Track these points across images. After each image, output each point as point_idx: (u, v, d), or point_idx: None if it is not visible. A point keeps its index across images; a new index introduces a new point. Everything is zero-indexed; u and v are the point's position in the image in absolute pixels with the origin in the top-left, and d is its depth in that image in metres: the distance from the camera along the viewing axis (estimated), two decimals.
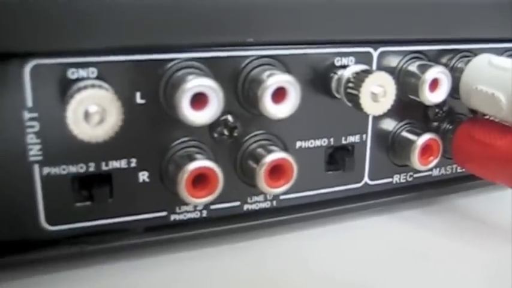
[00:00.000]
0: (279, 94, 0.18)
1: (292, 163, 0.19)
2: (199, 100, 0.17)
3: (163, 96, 0.18)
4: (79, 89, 0.16)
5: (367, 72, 0.19)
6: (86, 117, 0.15)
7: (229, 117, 0.19)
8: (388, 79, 0.19)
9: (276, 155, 0.19)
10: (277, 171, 0.19)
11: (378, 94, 0.19)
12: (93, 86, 0.16)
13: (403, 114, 0.22)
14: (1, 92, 0.16)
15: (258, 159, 0.19)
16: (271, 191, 0.19)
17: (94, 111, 0.15)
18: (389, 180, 0.23)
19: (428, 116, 0.23)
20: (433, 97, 0.21)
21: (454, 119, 0.23)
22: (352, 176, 0.22)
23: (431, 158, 0.22)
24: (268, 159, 0.19)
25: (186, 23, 0.17)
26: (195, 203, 0.18)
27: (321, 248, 0.20)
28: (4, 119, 0.16)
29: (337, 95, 0.20)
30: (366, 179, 0.22)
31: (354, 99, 0.19)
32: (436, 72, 0.20)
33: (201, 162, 0.18)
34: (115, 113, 0.16)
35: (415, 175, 0.23)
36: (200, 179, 0.18)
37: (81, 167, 0.18)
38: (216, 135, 0.19)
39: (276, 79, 0.18)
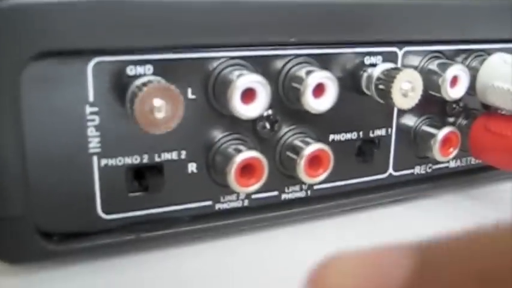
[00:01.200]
0: (319, 89, 0.20)
1: (329, 154, 0.20)
2: (247, 95, 0.18)
3: (212, 92, 0.19)
4: (144, 84, 0.17)
5: (397, 70, 0.21)
6: (152, 110, 0.17)
7: (271, 112, 0.20)
8: (416, 76, 0.21)
9: (315, 146, 0.20)
10: (315, 161, 0.20)
11: (408, 90, 0.20)
12: (158, 81, 0.17)
13: (423, 110, 0.24)
14: (66, 86, 0.17)
15: (297, 151, 0.20)
16: (311, 180, 0.20)
17: (160, 105, 0.17)
18: (411, 171, 0.24)
19: (446, 111, 0.24)
20: (453, 93, 0.22)
21: (469, 114, 0.25)
22: (378, 167, 0.23)
23: (451, 149, 0.23)
24: (308, 151, 0.20)
25: (235, 24, 0.19)
26: (243, 192, 0.19)
27: (355, 235, 0.22)
28: (68, 112, 0.17)
29: (367, 92, 0.22)
30: (391, 170, 0.24)
31: (386, 95, 0.21)
32: (457, 69, 0.22)
33: (248, 153, 0.19)
34: (179, 106, 0.17)
35: (434, 166, 0.25)
36: (247, 169, 0.19)
37: (136, 159, 0.19)
38: (258, 128, 0.20)
39: (316, 76, 0.19)
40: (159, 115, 0.17)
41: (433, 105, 0.24)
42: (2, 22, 0.16)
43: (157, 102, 0.17)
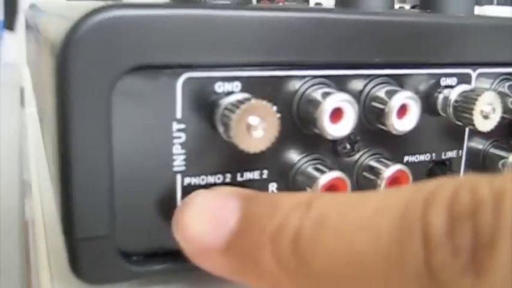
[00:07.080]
0: (402, 110, 0.19)
1: (409, 175, 0.20)
2: (335, 114, 0.18)
3: (296, 110, 0.19)
4: (240, 101, 0.16)
5: (477, 92, 0.20)
6: (249, 128, 0.16)
7: (351, 132, 0.20)
8: (496, 97, 0.20)
9: (395, 167, 0.20)
10: (394, 183, 0.20)
11: (489, 112, 0.20)
12: (255, 99, 0.16)
13: (492, 132, 0.23)
14: (155, 102, 0.17)
15: (377, 172, 0.20)
16: None
17: (257, 123, 0.16)
18: None
19: None
20: None
21: None
22: None
23: None
24: (389, 172, 0.20)
25: (322, 43, 0.18)
26: None
27: None
28: (155, 128, 0.17)
29: (442, 113, 0.21)
30: None
31: (465, 117, 0.20)
32: None
33: (333, 174, 0.18)
34: (274, 124, 0.16)
35: None
36: (330, 191, 0.19)
37: (218, 178, 0.18)
38: (339, 149, 0.20)
39: (400, 96, 0.19)
40: (256, 133, 0.16)
41: (500, 128, 0.24)
42: (99, 35, 0.15)
43: (254, 120, 0.16)
